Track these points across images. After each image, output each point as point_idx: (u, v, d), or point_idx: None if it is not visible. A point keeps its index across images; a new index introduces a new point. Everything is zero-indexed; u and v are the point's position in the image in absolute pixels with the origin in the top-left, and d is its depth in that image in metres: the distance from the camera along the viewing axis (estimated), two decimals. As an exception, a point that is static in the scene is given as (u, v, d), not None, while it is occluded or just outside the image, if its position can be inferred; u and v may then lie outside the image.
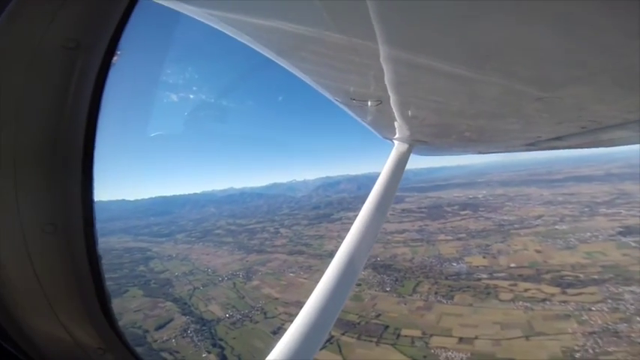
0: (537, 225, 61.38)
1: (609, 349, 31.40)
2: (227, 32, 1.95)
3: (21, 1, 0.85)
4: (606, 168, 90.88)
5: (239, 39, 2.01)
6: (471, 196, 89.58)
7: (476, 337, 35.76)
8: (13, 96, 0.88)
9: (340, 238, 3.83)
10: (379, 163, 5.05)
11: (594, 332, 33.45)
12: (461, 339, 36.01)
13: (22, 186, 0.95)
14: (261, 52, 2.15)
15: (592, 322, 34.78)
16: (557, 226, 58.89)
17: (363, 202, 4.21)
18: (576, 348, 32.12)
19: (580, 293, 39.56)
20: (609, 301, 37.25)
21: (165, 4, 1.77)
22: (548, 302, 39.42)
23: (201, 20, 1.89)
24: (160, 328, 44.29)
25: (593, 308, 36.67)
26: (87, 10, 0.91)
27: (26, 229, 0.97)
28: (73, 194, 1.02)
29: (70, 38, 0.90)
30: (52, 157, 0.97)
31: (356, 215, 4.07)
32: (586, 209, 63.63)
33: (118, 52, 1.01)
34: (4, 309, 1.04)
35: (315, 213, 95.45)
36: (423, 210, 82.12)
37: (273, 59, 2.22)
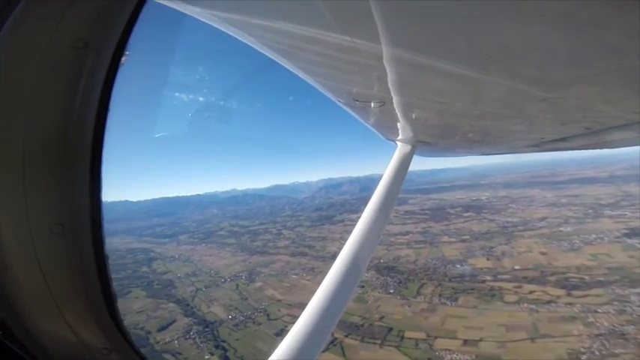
0: (541, 227, 60.87)
1: (616, 351, 31.04)
2: (231, 33, 1.96)
3: (30, 2, 0.86)
4: (610, 170, 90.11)
5: (243, 40, 2.02)
6: (474, 198, 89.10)
7: (481, 340, 35.48)
8: (22, 96, 0.89)
9: (343, 240, 3.83)
10: (382, 165, 5.04)
11: (600, 334, 33.09)
12: (465, 341, 35.73)
13: (30, 186, 0.95)
14: (264, 53, 2.16)
15: (598, 324, 34.40)
16: (561, 228, 58.37)
17: (366, 204, 4.20)
18: (582, 350, 31.78)
19: (586, 295, 39.16)
20: (615, 303, 36.83)
21: (171, 5, 1.79)
22: (553, 304, 39.07)
23: (206, 21, 1.90)
24: (162, 329, 44.35)
25: (599, 310, 36.27)
26: (95, 11, 0.92)
27: (34, 228, 0.98)
28: (81, 194, 1.03)
29: (78, 38, 0.91)
30: (60, 157, 0.97)
31: (359, 217, 4.06)
32: (590, 211, 63.05)
33: (127, 53, 1.01)
34: (10, 309, 1.04)
35: (318, 215, 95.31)
36: (426, 212, 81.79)
37: (276, 60, 2.23)
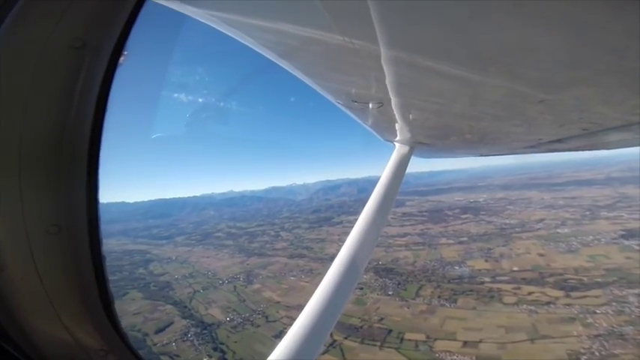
0: (539, 229, 60.99)
1: (615, 352, 31.13)
2: (230, 34, 1.96)
3: (28, 1, 0.85)
4: (607, 171, 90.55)
5: (241, 41, 2.02)
6: (472, 200, 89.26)
7: (480, 341, 35.48)
8: (19, 95, 0.88)
9: (341, 242, 3.82)
10: (380, 166, 5.04)
11: (600, 335, 33.17)
12: (465, 342, 35.73)
13: (26, 186, 0.94)
14: (262, 53, 2.16)
15: (597, 325, 34.49)
16: (558, 230, 58.52)
17: (364, 206, 4.20)
18: (582, 351, 31.85)
19: (584, 296, 39.27)
20: (614, 303, 36.95)
21: (169, 5, 1.79)
22: (552, 305, 39.16)
23: (205, 22, 1.90)
24: (159, 331, 44.07)
25: (597, 311, 36.37)
26: (94, 11, 0.92)
27: (30, 229, 0.97)
28: (78, 195, 1.02)
29: (77, 38, 0.90)
30: (57, 158, 0.96)
31: (357, 219, 4.06)
32: (587, 213, 63.27)
33: (125, 53, 1.00)
34: (5, 310, 1.04)
35: (316, 216, 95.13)
36: (424, 213, 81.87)
37: (274, 61, 2.23)
